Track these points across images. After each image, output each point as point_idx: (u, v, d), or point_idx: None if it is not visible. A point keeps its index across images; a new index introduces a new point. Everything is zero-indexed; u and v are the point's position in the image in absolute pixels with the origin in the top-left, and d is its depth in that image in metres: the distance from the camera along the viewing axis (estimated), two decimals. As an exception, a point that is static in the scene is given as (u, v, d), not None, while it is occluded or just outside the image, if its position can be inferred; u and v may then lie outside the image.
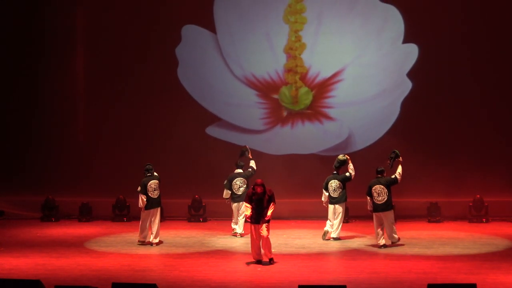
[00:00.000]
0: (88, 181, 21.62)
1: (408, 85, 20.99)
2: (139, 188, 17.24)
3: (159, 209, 17.45)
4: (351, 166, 17.79)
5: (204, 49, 21.65)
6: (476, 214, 20.29)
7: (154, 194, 17.33)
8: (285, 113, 21.57)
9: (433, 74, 20.96)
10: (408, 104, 20.99)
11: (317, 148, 21.38)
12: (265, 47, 21.39)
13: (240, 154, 18.89)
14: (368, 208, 17.09)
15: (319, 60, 21.26)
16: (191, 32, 21.61)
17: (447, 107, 20.99)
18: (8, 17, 22.10)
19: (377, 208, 16.85)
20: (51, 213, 21.33)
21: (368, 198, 16.95)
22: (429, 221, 20.28)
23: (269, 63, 21.41)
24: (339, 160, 17.90)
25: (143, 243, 17.34)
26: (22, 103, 22.10)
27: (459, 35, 20.87)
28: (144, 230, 17.35)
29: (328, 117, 21.41)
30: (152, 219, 17.29)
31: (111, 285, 11.29)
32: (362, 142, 21.13)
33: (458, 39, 20.87)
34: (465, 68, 20.85)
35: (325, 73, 21.33)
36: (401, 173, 16.94)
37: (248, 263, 15.18)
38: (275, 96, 21.50)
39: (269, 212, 15.13)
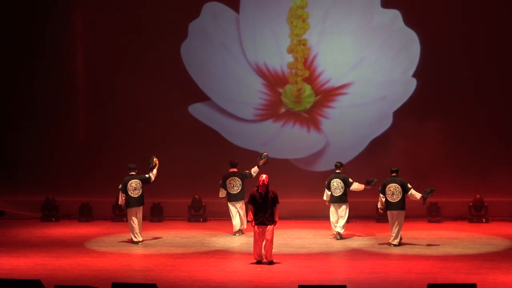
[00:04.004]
0: (88, 181, 21.60)
1: (389, 120, 20.77)
2: (120, 186, 17.55)
3: (141, 208, 17.57)
4: (359, 186, 17.69)
5: (221, 27, 21.27)
6: (476, 214, 20.26)
7: (134, 194, 17.48)
8: (282, 110, 21.47)
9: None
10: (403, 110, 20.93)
11: (292, 155, 21.12)
12: (284, 39, 21.11)
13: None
14: (379, 206, 17.04)
15: (333, 68, 20.98)
16: (213, 8, 21.19)
17: (447, 107, 20.96)
18: (8, 17, 22.07)
19: (391, 206, 16.78)
20: (51, 213, 21.32)
21: (381, 195, 16.89)
22: (429, 221, 20.26)
23: (285, 56, 21.13)
24: (374, 180, 17.50)
25: (139, 242, 17.39)
26: (22, 103, 22.07)
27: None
28: (134, 229, 17.41)
29: (318, 127, 21.14)
30: (134, 217, 17.38)
31: (111, 285, 11.29)
32: (327, 164, 20.23)
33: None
34: (462, 69, 20.80)
35: (335, 82, 21.01)
36: (415, 196, 16.79)
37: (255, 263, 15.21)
38: (280, 90, 21.40)
39: (276, 215, 15.15)
